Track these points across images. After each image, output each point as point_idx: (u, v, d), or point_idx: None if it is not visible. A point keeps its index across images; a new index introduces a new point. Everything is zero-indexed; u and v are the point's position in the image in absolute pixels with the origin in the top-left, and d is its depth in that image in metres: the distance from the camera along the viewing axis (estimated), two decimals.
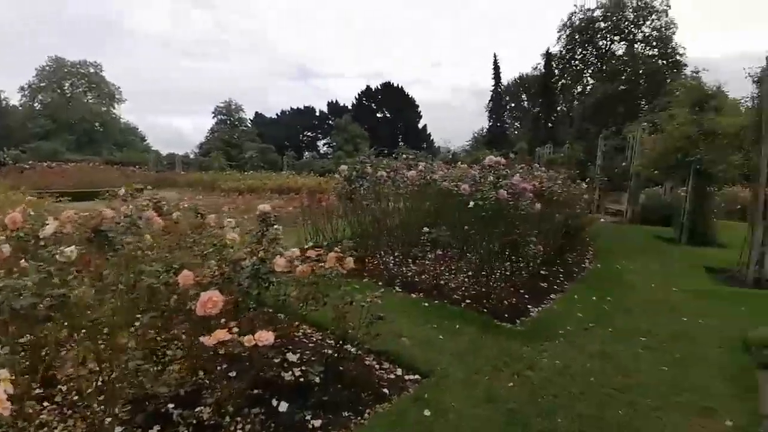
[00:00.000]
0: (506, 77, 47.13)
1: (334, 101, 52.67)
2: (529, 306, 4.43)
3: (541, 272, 5.56)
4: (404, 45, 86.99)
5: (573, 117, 30.81)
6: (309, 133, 52.79)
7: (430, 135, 51.57)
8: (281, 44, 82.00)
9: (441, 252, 4.56)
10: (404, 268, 5.52)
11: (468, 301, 4.43)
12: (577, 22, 31.57)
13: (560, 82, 35.36)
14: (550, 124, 35.26)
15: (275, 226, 3.36)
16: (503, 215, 4.20)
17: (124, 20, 70.01)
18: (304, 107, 53.03)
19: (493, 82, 43.79)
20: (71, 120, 41.96)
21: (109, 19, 68.20)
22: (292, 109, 53.23)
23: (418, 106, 51.94)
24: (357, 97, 51.37)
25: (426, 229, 4.56)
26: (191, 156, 41.61)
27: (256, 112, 52.76)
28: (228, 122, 48.14)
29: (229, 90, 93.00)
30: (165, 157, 38.54)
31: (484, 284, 4.56)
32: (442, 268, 5.26)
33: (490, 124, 43.96)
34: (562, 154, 19.24)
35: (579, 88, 34.43)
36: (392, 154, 6.91)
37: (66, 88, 44.83)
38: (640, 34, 30.15)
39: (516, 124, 48.68)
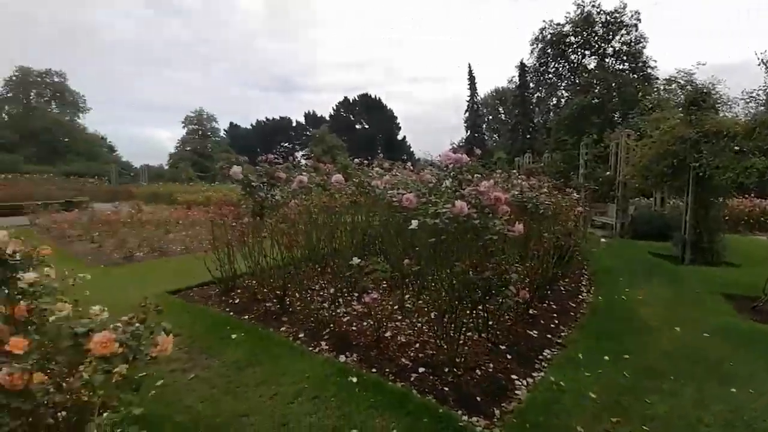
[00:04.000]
0: (483, 90, 47.07)
1: (312, 112, 51.31)
2: (513, 376, 2.93)
3: (530, 311, 4.13)
4: (385, 59, 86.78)
5: (550, 128, 30.56)
6: (286, 144, 51.12)
7: (410, 146, 50.68)
8: (260, 56, 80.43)
9: (377, 295, 3.06)
10: (342, 310, 4.00)
11: (422, 369, 2.93)
12: (549, 36, 31.77)
13: (535, 95, 35.66)
14: (528, 135, 34.90)
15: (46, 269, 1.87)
16: (465, 240, 2.74)
17: (101, 30, 67.40)
18: (281, 117, 51.52)
19: (468, 93, 43.30)
20: (35, 130, 39.32)
21: (86, 29, 65.48)
22: (267, 119, 51.64)
23: (396, 118, 51.09)
24: (335, 108, 50.25)
25: (356, 259, 3.06)
26: (166, 167, 39.61)
27: (231, 123, 51.02)
28: (199, 132, 46.06)
29: (208, 101, 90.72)
30: (133, 168, 36.44)
31: (446, 339, 3.07)
32: (389, 311, 3.77)
33: (467, 134, 43.30)
34: (543, 164, 18.46)
35: (554, 100, 34.70)
36: (367, 164, 5.51)
37: (31, 98, 42.25)
38: (610, 48, 30.29)
39: (495, 136, 48.28)
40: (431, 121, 78.18)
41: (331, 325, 3.68)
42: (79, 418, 1.43)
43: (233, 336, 3.43)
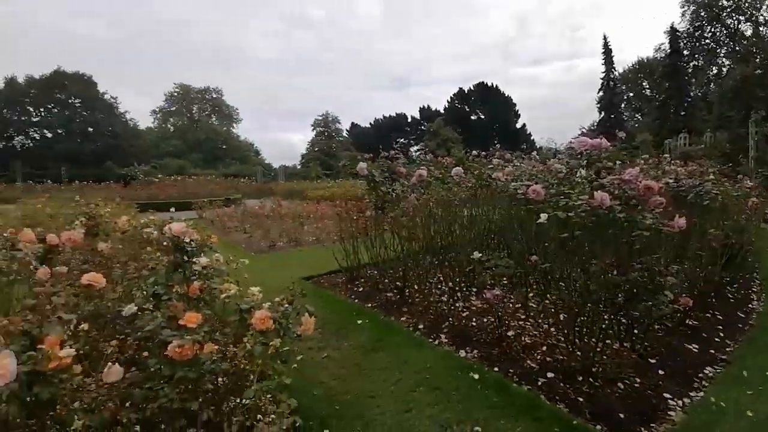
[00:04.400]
0: (621, 64, 40.82)
1: (426, 106, 51.60)
2: (666, 395, 2.50)
3: (687, 322, 3.49)
4: (502, 44, 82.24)
5: (711, 102, 24.98)
6: (402, 140, 52.51)
7: (530, 135, 47.26)
8: (379, 57, 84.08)
9: (499, 291, 2.92)
10: (460, 304, 3.95)
11: (550, 374, 2.72)
12: None
13: (691, 63, 29.46)
14: (682, 112, 29.07)
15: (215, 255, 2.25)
16: (605, 236, 2.42)
17: (241, 47, 78.97)
18: (397, 114, 53.04)
19: (603, 69, 38.00)
20: (199, 139, 48.10)
21: (227, 47, 77.48)
22: (384, 117, 53.69)
23: (514, 105, 48.07)
24: (449, 100, 49.63)
25: (476, 254, 2.97)
26: (298, 166, 44.64)
27: (352, 123, 54.45)
28: (325, 134, 50.41)
29: (333, 103, 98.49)
30: (272, 169, 41.90)
31: (579, 345, 2.79)
32: (512, 309, 3.58)
33: (601, 116, 38.17)
34: (702, 145, 15.29)
35: (714, 69, 28.25)
36: (485, 155, 5.40)
37: (194, 112, 51.89)
38: (762, 17, 23.55)
39: (637, 115, 41.59)
40: (555, 105, 71.46)
41: (450, 319, 3.66)
42: (236, 385, 1.68)
43: (359, 322, 3.68)
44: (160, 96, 51.75)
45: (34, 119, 35.74)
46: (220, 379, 1.74)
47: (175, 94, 50.20)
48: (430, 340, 3.32)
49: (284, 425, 1.31)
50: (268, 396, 1.79)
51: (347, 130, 53.07)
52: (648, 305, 2.35)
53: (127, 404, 1.38)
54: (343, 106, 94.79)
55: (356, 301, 4.32)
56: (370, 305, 4.16)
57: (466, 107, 49.44)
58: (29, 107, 35.35)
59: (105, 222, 2.98)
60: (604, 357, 2.72)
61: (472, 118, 49.09)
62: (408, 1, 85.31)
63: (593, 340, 2.67)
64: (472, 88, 49.12)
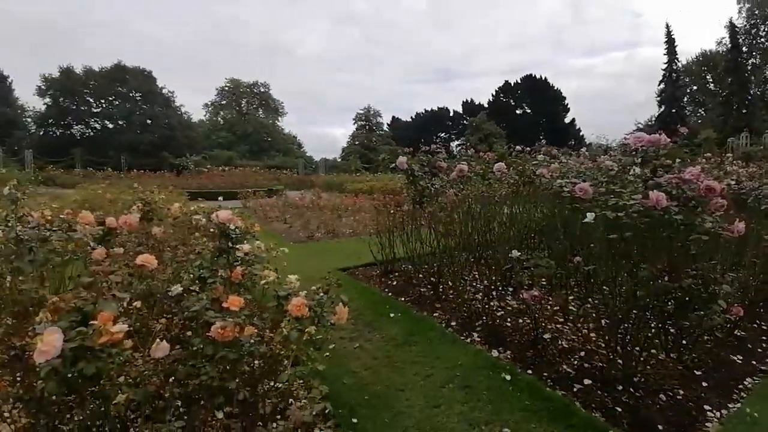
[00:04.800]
0: (686, 54, 37.75)
1: (469, 100, 50.52)
2: (706, 407, 2.37)
3: (735, 332, 3.24)
4: (553, 34, 78.56)
5: None
6: (443, 134, 51.83)
7: (579, 130, 45.05)
8: (423, 50, 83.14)
9: (537, 292, 2.82)
10: (495, 303, 3.87)
11: (587, 380, 2.61)
12: None
13: (750, 60, 27.20)
14: (744, 110, 26.74)
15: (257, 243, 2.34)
16: (658, 238, 2.27)
17: (290, 44, 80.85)
18: (438, 108, 52.38)
19: (666, 59, 35.32)
20: (246, 132, 49.98)
21: (277, 42, 79.60)
22: (426, 111, 53.17)
23: (563, 99, 45.93)
24: (494, 93, 48.25)
25: (515, 252, 2.89)
26: (339, 159, 45.40)
27: (393, 117, 54.45)
28: (366, 127, 50.74)
29: (375, 97, 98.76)
30: (313, 162, 42.86)
31: (620, 353, 2.65)
32: (550, 312, 3.46)
33: (661, 110, 35.58)
34: (762, 146, 13.97)
35: None
36: (529, 151, 5.24)
37: (243, 105, 53.93)
38: None
39: (699, 110, 38.46)
40: (609, 98, 67.69)
41: (484, 318, 3.60)
42: (271, 368, 1.75)
43: (391, 315, 3.70)
44: (212, 90, 54.20)
45: (95, 110, 38.43)
46: (256, 361, 1.82)
47: (226, 88, 52.33)
48: (463, 337, 3.28)
49: (315, 410, 1.35)
50: (300, 381, 1.85)
51: (388, 124, 53.16)
52: (700, 315, 2.19)
53: (171, 380, 1.48)
54: (385, 100, 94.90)
55: (390, 294, 4.34)
56: (403, 299, 4.17)
57: (511, 101, 47.91)
58: (89, 98, 38.06)
59: (159, 208, 3.18)
60: (648, 367, 2.58)
61: (518, 112, 47.51)
62: None
63: (637, 348, 2.53)
64: (518, 81, 47.50)
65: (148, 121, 38.88)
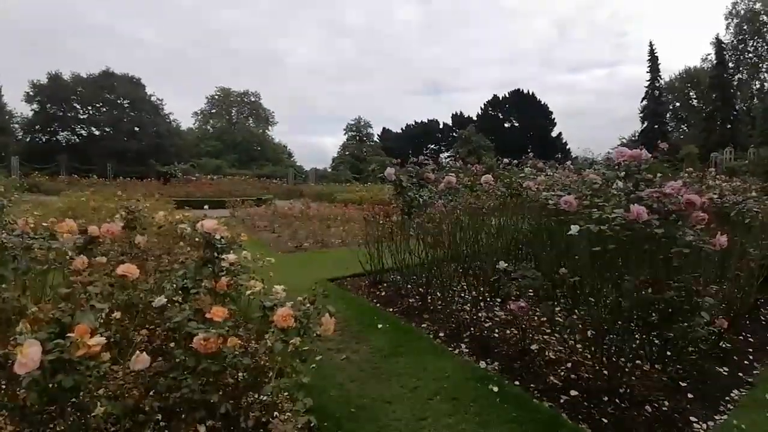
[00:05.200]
0: (669, 72, 39.08)
1: (459, 113, 51.24)
2: (692, 418, 2.39)
3: (721, 344, 3.29)
4: (542, 50, 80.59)
5: (755, 117, 23.68)
6: (432, 146, 52.28)
7: (566, 144, 45.90)
8: (414, 63, 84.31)
9: (525, 303, 2.84)
10: (483, 314, 3.88)
11: (573, 392, 2.62)
12: (742, 12, 25.14)
13: (736, 76, 28.31)
14: (728, 125, 27.71)
15: (243, 253, 2.32)
16: (640, 251, 2.32)
17: (281, 53, 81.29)
18: (428, 120, 52.98)
19: (648, 76, 36.49)
20: (236, 140, 49.73)
21: (268, 51, 79.89)
22: (416, 122, 53.72)
23: (551, 113, 46.93)
24: (482, 107, 49.04)
25: (502, 263, 2.91)
26: (329, 170, 45.37)
27: (384, 128, 54.79)
28: (356, 138, 50.98)
29: (366, 108, 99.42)
30: (304, 171, 42.75)
31: (606, 364, 2.67)
32: (537, 323, 3.48)
33: (644, 126, 36.60)
34: (747, 161, 14.44)
35: (757, 84, 27.07)
36: (517, 164, 5.31)
37: (233, 114, 53.78)
38: None
39: (682, 126, 39.68)
40: (594, 113, 69.33)
41: (472, 329, 3.60)
42: (255, 380, 1.72)
43: (379, 326, 3.67)
44: (202, 99, 53.96)
45: (82, 116, 37.94)
46: (240, 373, 1.79)
47: (216, 97, 52.22)
48: (450, 348, 3.27)
49: (299, 423, 1.32)
50: (285, 394, 1.82)
51: (378, 135, 53.48)
52: (683, 326, 2.23)
53: (151, 393, 1.44)
54: (376, 111, 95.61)
55: (378, 305, 4.32)
56: (391, 310, 4.15)
57: (499, 114, 48.72)
58: (76, 104, 37.60)
59: (143, 217, 3.13)
60: (633, 378, 2.60)
61: (506, 125, 48.28)
62: (446, 7, 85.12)
63: (622, 359, 2.55)
64: (506, 95, 48.39)
65: (136, 129, 38.48)
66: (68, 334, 1.09)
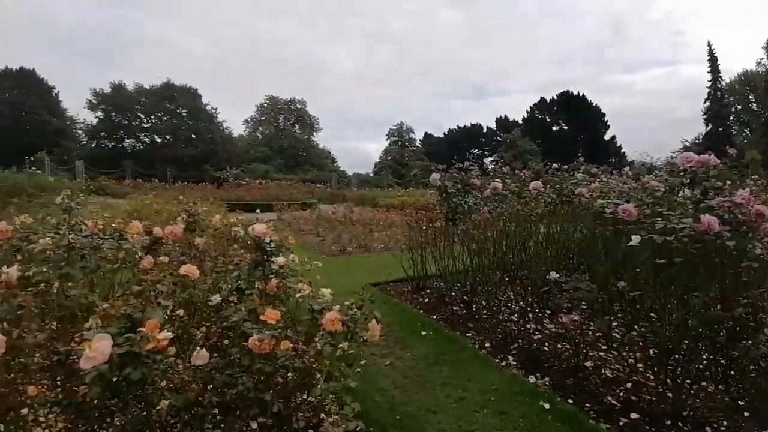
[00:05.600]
0: (730, 73, 36.05)
1: (503, 117, 50.03)
2: None
3: None
4: (595, 49, 76.95)
5: None
6: (475, 150, 51.41)
7: (620, 147, 43.39)
8: (458, 67, 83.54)
9: (578, 317, 2.68)
10: (531, 326, 3.73)
11: (634, 414, 2.44)
12: None
13: None
14: None
15: (291, 256, 2.38)
16: (710, 265, 2.13)
17: (327, 62, 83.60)
18: (471, 125, 52.19)
19: (710, 77, 33.80)
20: (282, 146, 51.65)
21: (315, 60, 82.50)
22: (459, 127, 53.09)
23: (604, 116, 44.58)
24: (528, 110, 47.56)
25: (553, 273, 2.78)
26: (371, 174, 45.97)
27: (426, 132, 54.69)
28: (399, 143, 51.19)
29: (408, 113, 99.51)
30: (347, 176, 43.58)
31: (670, 386, 2.47)
32: (591, 338, 3.28)
33: (708, 128, 33.86)
34: None
35: None
36: (567, 169, 5.11)
37: (280, 121, 55.95)
38: None
39: (744, 130, 36.35)
40: (652, 115, 64.90)
41: (520, 341, 3.47)
42: (305, 382, 1.75)
43: (423, 333, 3.64)
44: (252, 107, 56.65)
45: (145, 125, 41.20)
46: (290, 374, 1.84)
47: (265, 105, 54.51)
48: (497, 360, 3.17)
49: (348, 427, 1.33)
50: (333, 396, 1.84)
51: (421, 140, 53.40)
52: (747, 344, 2.02)
53: (209, 387, 1.52)
54: (419, 116, 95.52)
55: (421, 311, 4.29)
56: (435, 317, 4.10)
57: (547, 117, 47.00)
58: (140, 114, 40.84)
59: (201, 220, 3.32)
60: (697, 400, 2.39)
61: (554, 129, 46.48)
62: (491, 9, 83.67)
63: (688, 381, 2.35)
64: (554, 97, 46.60)
65: (193, 136, 41.08)
66: (139, 329, 1.17)
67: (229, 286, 2.08)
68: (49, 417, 1.51)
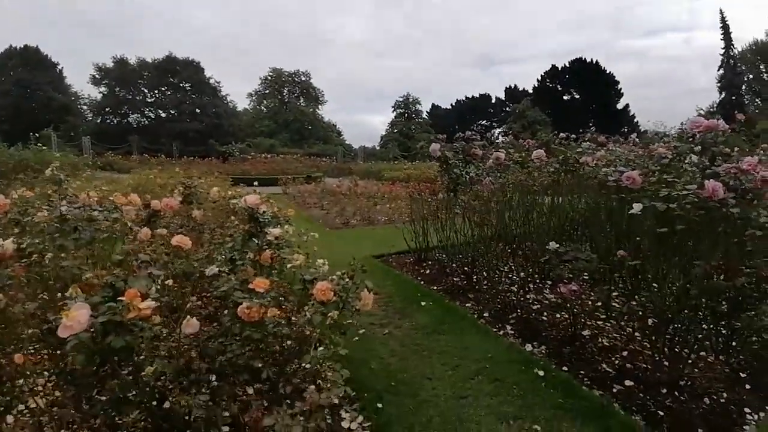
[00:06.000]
0: (742, 42, 34.55)
1: (513, 86, 48.66)
2: (746, 409, 2.21)
3: None
4: (613, 13, 73.48)
5: None
6: (484, 122, 50.40)
7: (633, 116, 42.15)
8: (465, 35, 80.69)
9: (576, 287, 2.66)
10: (531, 296, 3.73)
11: (628, 382, 2.46)
12: None
13: None
14: None
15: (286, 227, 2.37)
16: (713, 233, 2.07)
17: (330, 31, 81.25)
18: (479, 95, 50.93)
19: (722, 45, 32.39)
20: (287, 120, 51.09)
21: (317, 32, 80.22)
22: (467, 98, 51.88)
23: (617, 83, 43.07)
24: (539, 79, 46.06)
25: (553, 244, 2.74)
26: (377, 147, 45.52)
27: (433, 104, 53.57)
28: (405, 115, 50.29)
29: (415, 84, 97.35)
30: (352, 149, 43.23)
31: (667, 355, 2.47)
32: (590, 307, 3.28)
33: (722, 97, 32.69)
34: None
35: None
36: (575, 139, 4.96)
37: (284, 94, 55.06)
38: None
39: (756, 100, 35.07)
40: (668, 83, 62.56)
41: (519, 311, 3.48)
42: (300, 349, 1.78)
43: (422, 303, 3.67)
44: (256, 80, 55.69)
45: (149, 99, 40.90)
46: (288, 342, 1.86)
47: (269, 78, 53.51)
48: (495, 329, 3.20)
49: (332, 395, 1.35)
50: (330, 364, 1.87)
51: (427, 112, 52.37)
52: (750, 315, 1.99)
53: (203, 355, 1.54)
54: (425, 87, 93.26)
55: (422, 282, 4.31)
56: (435, 288, 4.12)
57: (558, 86, 45.59)
58: (144, 88, 40.46)
59: (199, 192, 3.31)
60: (696, 370, 2.40)
61: (565, 98, 45.17)
62: None
63: (686, 350, 2.34)
64: (566, 65, 45.02)
65: (197, 110, 40.74)
66: (120, 298, 1.18)
67: (223, 257, 2.08)
68: (47, 386, 1.55)
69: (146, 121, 40.47)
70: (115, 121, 39.30)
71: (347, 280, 1.83)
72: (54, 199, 1.89)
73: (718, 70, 33.64)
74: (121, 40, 65.81)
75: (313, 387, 1.39)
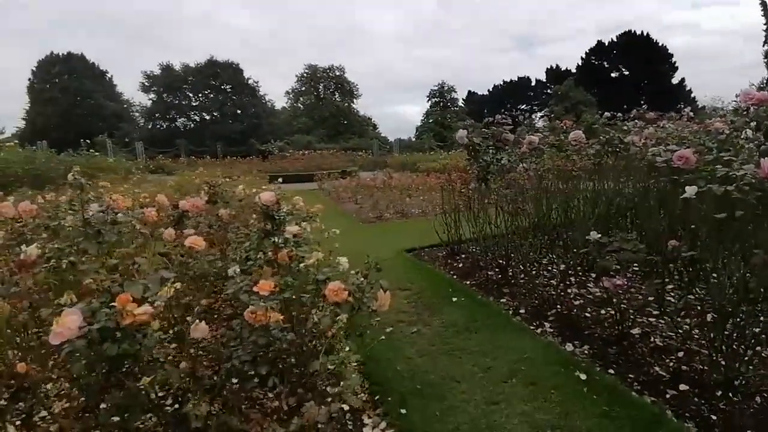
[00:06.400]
0: None
1: (554, 66, 46.24)
2: None
3: None
4: None
5: None
6: (523, 106, 48.39)
7: (690, 91, 38.79)
8: (504, 17, 77.60)
9: (621, 281, 2.39)
10: (574, 290, 3.46)
11: (683, 386, 2.19)
12: None
13: None
14: None
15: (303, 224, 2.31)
16: None
17: (362, 24, 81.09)
18: (518, 78, 48.88)
19: (764, 19, 28.80)
20: (323, 116, 51.75)
21: (352, 24, 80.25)
22: (504, 82, 50.02)
23: (671, 57, 39.73)
24: (584, 56, 43.42)
25: (594, 234, 2.48)
26: (413, 139, 45.07)
27: (469, 91, 52.20)
28: (440, 104, 49.33)
29: (451, 71, 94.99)
30: (388, 142, 43.08)
31: (727, 354, 2.16)
32: (640, 303, 2.97)
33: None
34: None
35: None
36: (623, 118, 4.57)
37: (320, 90, 55.72)
38: None
39: None
40: (724, 57, 56.92)
41: (558, 306, 3.23)
42: (308, 354, 1.69)
43: (454, 299, 3.50)
44: (293, 78, 56.78)
45: (194, 103, 42.95)
46: (312, 342, 1.79)
47: (305, 74, 54.35)
48: (532, 327, 2.98)
49: (332, 409, 1.26)
50: (355, 364, 1.78)
51: (463, 99, 51.09)
52: None
53: (205, 362, 1.50)
54: (464, 75, 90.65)
55: (454, 276, 4.13)
56: (468, 282, 3.94)
57: (605, 63, 42.77)
58: (189, 93, 42.48)
59: (224, 191, 3.34)
60: (750, 367, 2.09)
61: (613, 75, 42.32)
62: None
63: (743, 347, 2.05)
64: (613, 39, 42.10)
65: (238, 111, 42.31)
66: (111, 304, 1.14)
67: (240, 256, 2.05)
68: (72, 392, 1.58)
69: (192, 125, 42.57)
70: (164, 126, 41.67)
71: (362, 279, 1.72)
72: (76, 204, 1.93)
73: (764, 44, 30.21)
74: (160, 44, 69.38)
75: (311, 402, 1.30)
